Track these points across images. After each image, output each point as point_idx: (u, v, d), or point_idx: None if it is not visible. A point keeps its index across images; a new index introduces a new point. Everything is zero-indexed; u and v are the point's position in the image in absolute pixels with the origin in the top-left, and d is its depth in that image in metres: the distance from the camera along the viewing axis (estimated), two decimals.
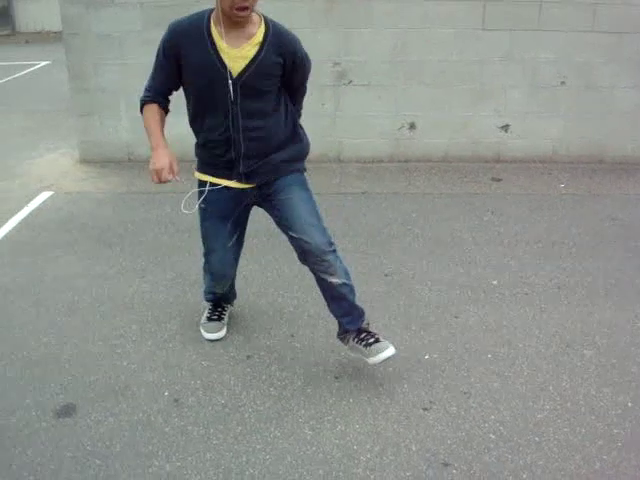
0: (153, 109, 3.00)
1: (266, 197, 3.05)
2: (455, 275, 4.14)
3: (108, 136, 6.35)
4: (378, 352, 2.97)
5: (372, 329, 3.13)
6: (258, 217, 3.40)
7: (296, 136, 3.06)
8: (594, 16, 6.00)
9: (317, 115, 6.08)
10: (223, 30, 2.73)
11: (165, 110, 3.05)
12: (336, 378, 3.16)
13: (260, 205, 3.13)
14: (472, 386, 3.12)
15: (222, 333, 3.47)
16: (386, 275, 4.13)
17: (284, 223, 3.01)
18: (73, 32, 6.07)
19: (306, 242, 2.92)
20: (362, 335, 3.06)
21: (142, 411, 2.95)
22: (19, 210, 5.27)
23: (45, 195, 5.60)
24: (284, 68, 2.85)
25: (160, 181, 2.84)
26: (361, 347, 3.04)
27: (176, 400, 3.02)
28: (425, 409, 2.96)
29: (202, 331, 3.47)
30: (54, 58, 12.87)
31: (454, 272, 4.18)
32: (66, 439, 2.80)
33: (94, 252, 4.51)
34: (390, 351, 2.98)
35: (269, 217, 3.15)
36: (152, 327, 3.58)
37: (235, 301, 3.64)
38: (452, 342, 3.45)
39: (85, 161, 6.43)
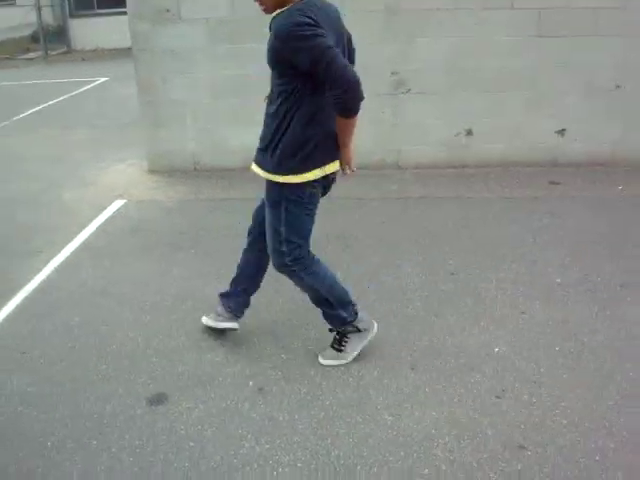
0: None
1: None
2: (518, 274, 4.26)
3: (175, 146, 6.62)
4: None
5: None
6: None
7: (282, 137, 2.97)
8: None
9: (377, 122, 6.27)
10: None
11: None
12: (412, 369, 3.31)
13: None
14: (542, 376, 3.25)
15: None
16: (452, 274, 4.27)
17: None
18: (141, 48, 6.36)
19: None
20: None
21: (229, 399, 3.15)
22: (95, 217, 5.54)
23: (118, 203, 5.88)
24: (281, 56, 2.81)
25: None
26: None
27: (260, 389, 3.21)
28: (498, 397, 3.10)
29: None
30: (112, 74, 13.32)
31: (517, 271, 4.30)
32: (160, 424, 3.01)
33: (169, 256, 4.75)
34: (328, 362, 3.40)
35: None
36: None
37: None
38: (520, 336, 3.58)
39: (153, 171, 6.70)
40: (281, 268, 3.20)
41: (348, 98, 2.71)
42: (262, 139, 3.07)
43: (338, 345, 3.38)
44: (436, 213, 5.39)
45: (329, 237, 4.54)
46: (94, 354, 3.57)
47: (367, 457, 2.75)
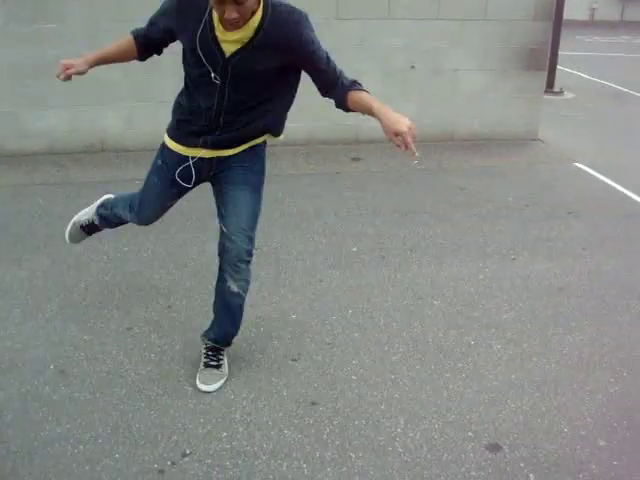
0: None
1: (219, 178, 2.97)
2: (318, 245, 4.50)
3: None
4: (206, 380, 3.08)
5: (224, 355, 3.19)
6: None
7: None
8: (439, 6, 6.54)
9: None
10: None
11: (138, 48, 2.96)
12: None
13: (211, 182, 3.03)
14: (335, 337, 3.48)
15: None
16: (256, 248, 4.41)
17: (221, 212, 2.97)
18: None
19: (231, 242, 2.90)
20: (210, 352, 3.15)
21: (30, 384, 3.12)
22: None
23: None
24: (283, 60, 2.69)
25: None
26: (202, 360, 3.16)
27: (62, 372, 3.21)
28: (294, 360, 3.29)
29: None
30: None
31: (318, 242, 4.54)
32: None
33: None
34: (213, 387, 3.06)
35: None
36: (33, 309, 3.72)
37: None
38: (317, 302, 3.80)
39: None
40: (250, 256, 3.00)
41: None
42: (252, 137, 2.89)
43: (210, 358, 3.17)
44: None
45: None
46: None
47: (167, 426, 2.83)
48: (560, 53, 10.06)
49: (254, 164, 2.95)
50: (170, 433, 2.80)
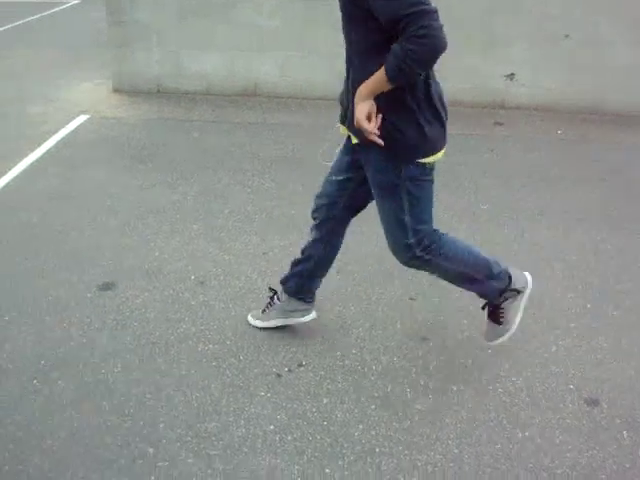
0: None
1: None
2: (448, 201, 4.62)
3: (140, 68, 6.82)
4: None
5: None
6: None
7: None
8: None
9: None
10: None
11: None
12: (337, 272, 3.66)
13: None
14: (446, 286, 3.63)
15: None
16: None
17: None
18: None
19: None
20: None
21: (172, 289, 3.50)
22: (58, 130, 5.78)
23: (82, 118, 6.11)
24: None
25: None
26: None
27: (201, 282, 3.56)
28: (411, 299, 3.49)
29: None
30: None
31: (448, 199, 4.66)
32: (108, 306, 3.35)
33: (129, 168, 5.03)
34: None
35: None
36: (180, 227, 4.11)
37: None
38: None
39: (118, 91, 6.92)
40: (411, 262, 2.73)
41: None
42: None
43: (496, 319, 2.92)
44: None
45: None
46: (51, 248, 3.87)
47: (288, 339, 3.12)
48: None
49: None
50: (290, 345, 3.08)
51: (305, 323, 3.18)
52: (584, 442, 2.64)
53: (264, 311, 3.20)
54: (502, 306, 2.87)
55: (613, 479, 2.49)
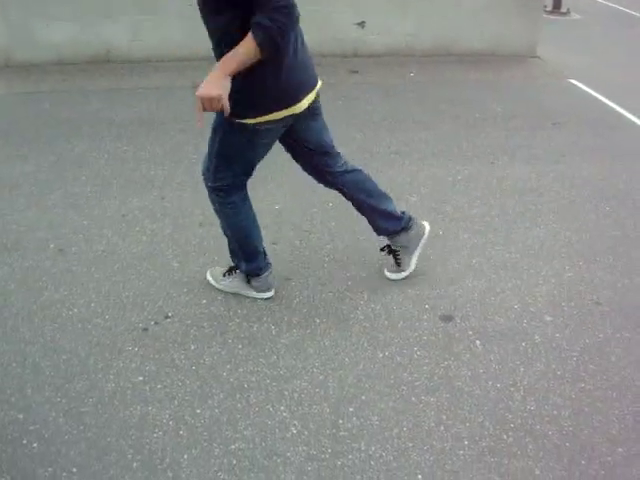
0: None
1: None
2: None
3: None
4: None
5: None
6: None
7: None
8: None
9: None
10: None
11: None
12: (200, 225, 3.72)
13: None
14: (314, 226, 3.77)
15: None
16: None
17: None
18: None
19: None
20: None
21: (32, 259, 3.44)
22: None
23: None
24: None
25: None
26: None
27: (61, 250, 3.52)
28: (274, 243, 3.58)
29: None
30: None
31: None
32: None
33: None
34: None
35: None
36: (37, 199, 4.02)
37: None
38: (299, 196, 4.08)
39: None
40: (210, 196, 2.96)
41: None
42: None
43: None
44: None
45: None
46: None
47: (153, 294, 3.15)
48: None
49: None
50: (155, 299, 3.12)
51: (170, 277, 3.23)
52: (440, 354, 2.83)
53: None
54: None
55: (469, 385, 2.68)
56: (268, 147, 2.78)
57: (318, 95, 2.80)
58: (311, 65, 2.71)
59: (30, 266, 3.39)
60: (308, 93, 2.68)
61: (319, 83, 2.77)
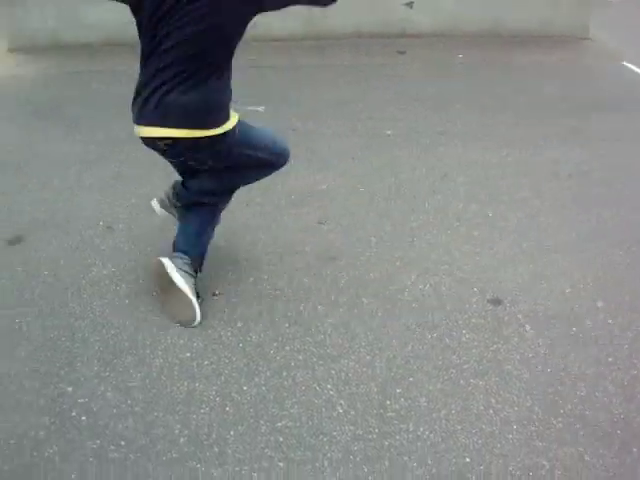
0: None
1: None
2: (355, 127, 4.70)
3: (35, 24, 6.60)
4: None
5: None
6: None
7: None
8: None
9: None
10: None
11: None
12: (246, 205, 3.71)
13: None
14: (361, 206, 3.73)
15: None
16: (293, 130, 4.66)
17: None
18: None
19: None
20: None
21: (81, 236, 3.48)
22: None
23: None
24: None
25: None
26: None
27: (109, 227, 3.55)
28: (320, 223, 3.57)
29: None
30: None
31: (354, 125, 4.74)
32: (17, 259, 3.31)
33: (32, 124, 4.93)
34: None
35: None
36: (87, 176, 4.07)
37: None
38: (346, 176, 4.05)
39: (13, 50, 6.69)
40: None
41: None
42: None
43: None
44: (291, 80, 5.73)
45: None
46: None
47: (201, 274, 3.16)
48: None
49: None
50: (202, 277, 3.10)
51: (217, 255, 3.23)
52: (489, 338, 2.79)
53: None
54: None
55: (518, 369, 2.63)
56: None
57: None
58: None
59: (79, 243, 3.43)
60: None
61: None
